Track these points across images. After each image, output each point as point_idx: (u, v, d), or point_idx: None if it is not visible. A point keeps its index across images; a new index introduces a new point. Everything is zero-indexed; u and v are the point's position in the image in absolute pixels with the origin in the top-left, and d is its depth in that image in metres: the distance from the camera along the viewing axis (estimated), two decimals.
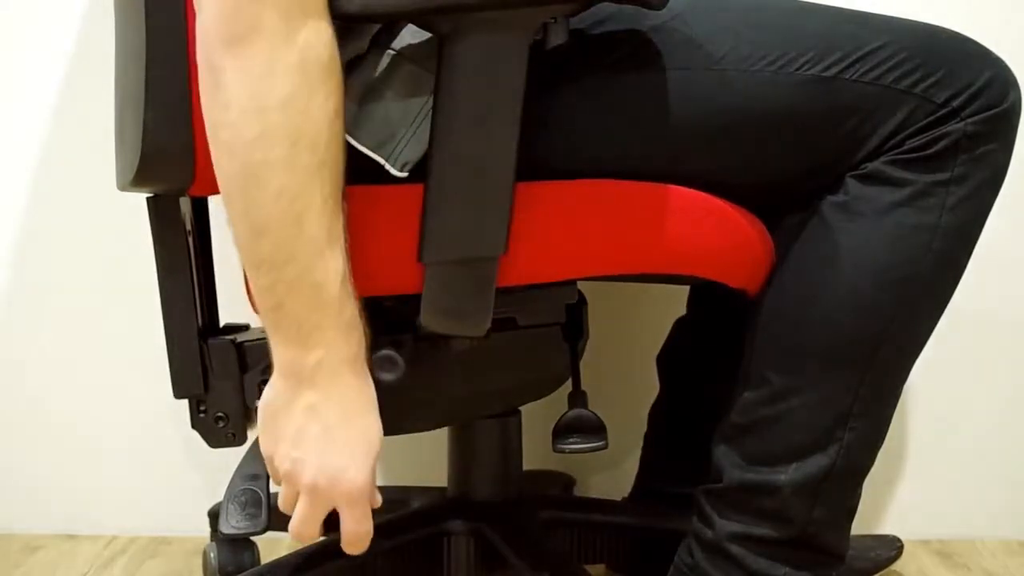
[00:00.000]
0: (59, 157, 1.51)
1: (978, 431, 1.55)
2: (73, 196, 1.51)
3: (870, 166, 0.99)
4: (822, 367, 1.01)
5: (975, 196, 0.99)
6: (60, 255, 1.52)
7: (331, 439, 0.90)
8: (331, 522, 1.29)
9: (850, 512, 1.07)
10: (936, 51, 0.98)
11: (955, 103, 0.97)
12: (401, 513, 1.21)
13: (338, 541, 1.16)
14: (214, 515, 1.32)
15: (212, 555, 1.25)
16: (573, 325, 1.07)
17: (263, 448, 0.92)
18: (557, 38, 0.88)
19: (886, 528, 1.54)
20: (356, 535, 0.94)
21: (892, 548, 1.38)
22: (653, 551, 1.23)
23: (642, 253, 0.99)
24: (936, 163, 0.97)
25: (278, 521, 1.13)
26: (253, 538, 1.33)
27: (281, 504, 0.94)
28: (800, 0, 1.02)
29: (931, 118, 0.97)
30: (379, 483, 1.55)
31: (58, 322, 1.53)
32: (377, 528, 1.17)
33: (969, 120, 0.97)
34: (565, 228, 0.96)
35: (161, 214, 1.00)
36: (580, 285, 1.04)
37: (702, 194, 1.00)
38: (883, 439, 1.05)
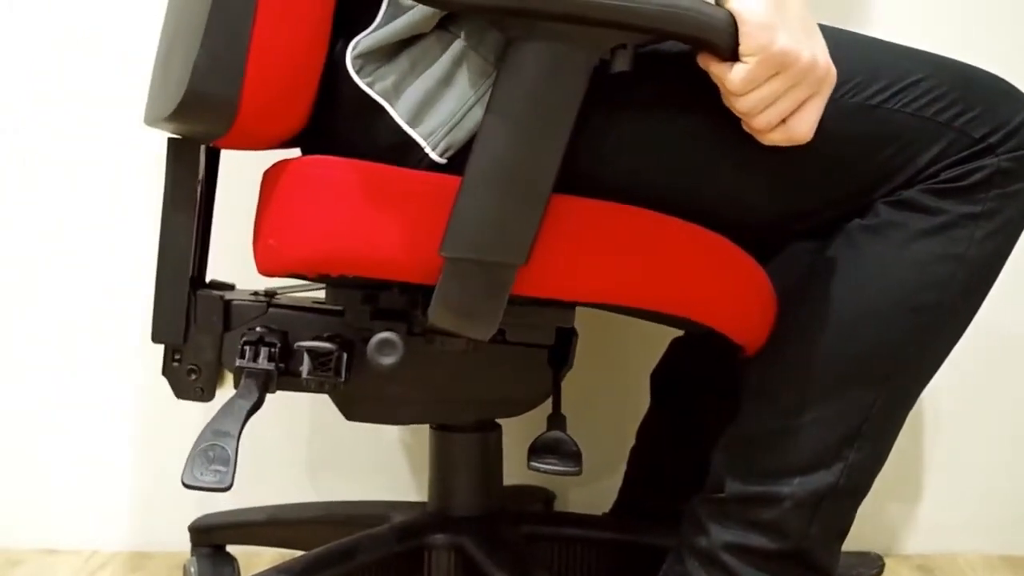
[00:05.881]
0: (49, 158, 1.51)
1: (959, 446, 1.56)
2: (66, 200, 1.52)
3: (904, 194, 0.99)
4: (836, 386, 1.01)
5: (1003, 231, 1.00)
6: (38, 276, 1.53)
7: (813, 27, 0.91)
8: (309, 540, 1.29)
9: (842, 534, 1.07)
10: (974, 88, 0.99)
11: (992, 139, 0.98)
12: (382, 528, 1.21)
13: (319, 556, 1.16)
14: (195, 530, 1.32)
15: (193, 570, 1.25)
16: (560, 352, 1.06)
17: (777, 43, 0.87)
18: (622, 65, 0.88)
19: (868, 543, 1.55)
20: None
21: (874, 566, 1.38)
22: (633, 566, 1.23)
23: (659, 289, 0.98)
24: (969, 196, 0.99)
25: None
26: (234, 552, 1.33)
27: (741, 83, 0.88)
28: (842, 29, 1.03)
29: (967, 152, 0.98)
30: (359, 498, 1.57)
31: (37, 335, 1.53)
32: (358, 543, 1.18)
33: (1004, 157, 0.98)
34: (588, 248, 0.95)
35: (180, 157, 0.99)
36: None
37: (731, 245, 0.99)
38: (884, 462, 1.05)
